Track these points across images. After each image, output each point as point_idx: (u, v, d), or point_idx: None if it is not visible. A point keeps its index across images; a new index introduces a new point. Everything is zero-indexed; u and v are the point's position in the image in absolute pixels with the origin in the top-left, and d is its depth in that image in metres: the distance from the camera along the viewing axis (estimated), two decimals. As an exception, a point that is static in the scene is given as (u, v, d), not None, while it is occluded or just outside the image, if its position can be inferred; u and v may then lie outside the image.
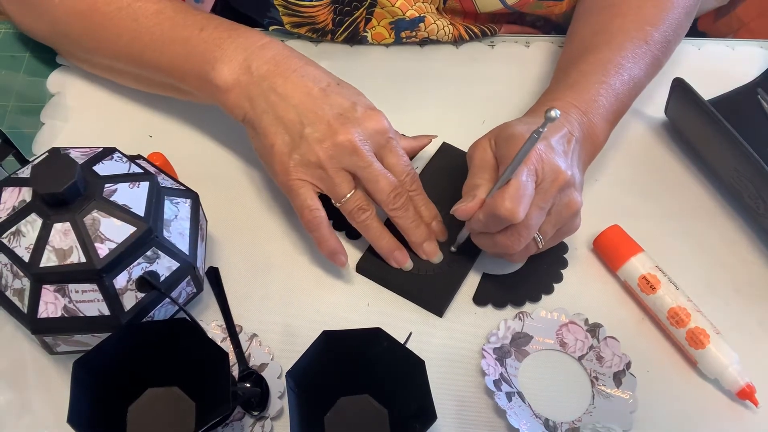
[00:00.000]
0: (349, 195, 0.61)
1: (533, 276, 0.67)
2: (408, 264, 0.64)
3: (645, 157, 0.76)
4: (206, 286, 0.64)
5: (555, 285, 0.66)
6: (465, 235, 0.64)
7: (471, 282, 0.66)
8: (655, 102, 0.79)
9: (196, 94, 0.66)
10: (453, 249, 0.66)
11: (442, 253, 0.65)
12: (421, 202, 0.65)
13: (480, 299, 0.65)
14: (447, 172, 0.72)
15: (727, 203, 0.73)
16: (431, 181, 0.70)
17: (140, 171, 0.58)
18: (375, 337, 0.54)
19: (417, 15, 0.78)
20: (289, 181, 0.61)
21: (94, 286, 0.53)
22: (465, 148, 0.73)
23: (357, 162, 0.60)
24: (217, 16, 0.67)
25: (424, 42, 0.83)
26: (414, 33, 0.80)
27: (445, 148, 0.74)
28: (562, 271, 0.67)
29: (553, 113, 0.53)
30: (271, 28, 0.80)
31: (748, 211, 0.70)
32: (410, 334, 0.57)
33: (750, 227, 0.71)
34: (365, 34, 0.80)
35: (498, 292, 0.65)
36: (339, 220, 0.64)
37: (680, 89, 0.71)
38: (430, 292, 0.64)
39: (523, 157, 0.56)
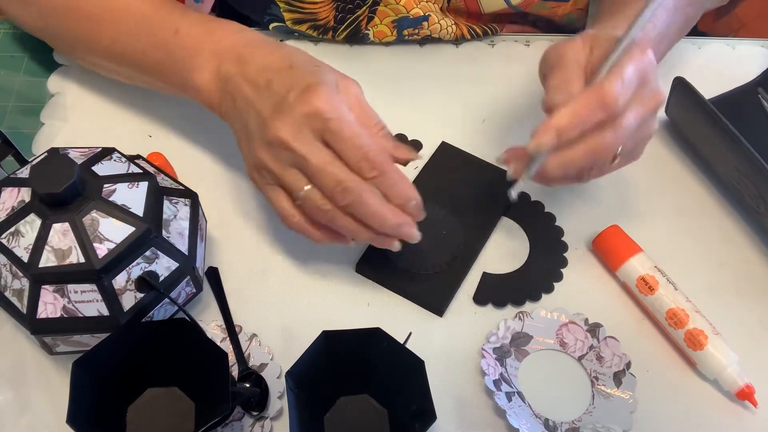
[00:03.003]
0: (302, 193, 0.56)
1: (533, 275, 0.67)
2: (415, 235, 0.57)
3: (645, 157, 0.75)
4: (206, 286, 0.64)
5: (555, 284, 0.66)
6: (540, 159, 0.57)
7: (471, 282, 0.66)
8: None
9: (182, 95, 0.66)
10: (513, 196, 0.60)
11: (419, 233, 0.58)
12: (388, 184, 0.56)
13: (480, 298, 0.65)
14: (446, 171, 0.72)
15: (728, 203, 0.72)
16: (430, 180, 0.70)
17: (139, 171, 0.58)
18: (374, 337, 0.54)
19: (422, 14, 0.78)
20: (259, 188, 0.60)
21: (93, 287, 0.53)
22: (465, 147, 0.74)
23: (293, 158, 0.55)
24: (189, 10, 0.67)
25: (425, 41, 0.83)
26: (416, 31, 0.80)
27: (445, 148, 0.74)
28: (562, 270, 0.67)
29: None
30: (271, 25, 0.80)
31: (749, 211, 0.70)
32: (410, 334, 0.57)
33: (750, 227, 0.71)
34: (367, 32, 0.80)
35: (498, 291, 0.65)
36: None
37: (681, 88, 0.71)
38: (430, 291, 0.64)
39: (626, 47, 0.54)
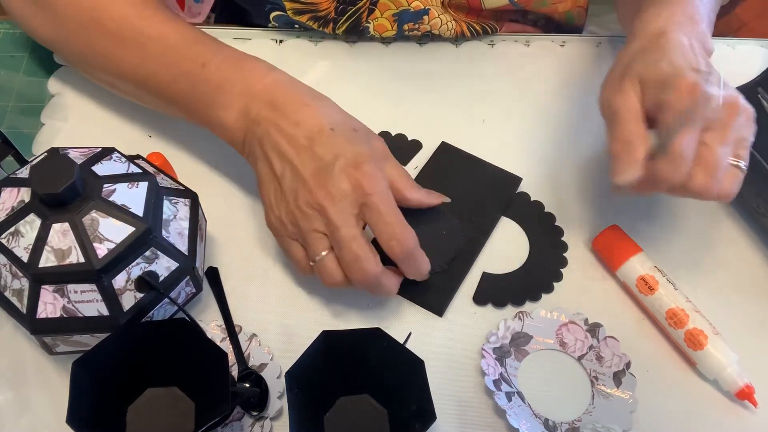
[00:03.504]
0: (318, 258, 0.58)
1: (533, 275, 0.67)
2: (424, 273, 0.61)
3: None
4: (205, 286, 0.64)
5: (555, 284, 0.66)
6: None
7: (471, 281, 0.66)
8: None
9: (203, 127, 0.65)
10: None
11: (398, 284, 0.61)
12: (411, 265, 0.59)
13: (480, 298, 0.65)
14: (445, 171, 0.72)
15: (728, 203, 0.72)
16: (430, 180, 0.70)
17: (139, 171, 0.58)
18: (374, 337, 0.54)
19: (422, 7, 0.78)
20: (276, 237, 0.61)
21: (93, 287, 0.53)
22: (465, 147, 0.74)
23: (324, 224, 0.57)
24: (221, 45, 0.65)
25: (425, 39, 0.83)
26: (417, 26, 0.80)
27: (444, 148, 0.74)
28: (562, 270, 0.67)
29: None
30: (272, 14, 0.79)
31: (749, 211, 0.70)
32: (410, 334, 0.57)
33: (750, 227, 0.71)
34: (367, 25, 0.80)
35: (498, 291, 0.65)
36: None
37: None
38: (430, 291, 0.64)
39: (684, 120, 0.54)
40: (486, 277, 0.66)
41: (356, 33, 0.81)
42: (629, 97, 0.58)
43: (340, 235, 0.56)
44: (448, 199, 0.64)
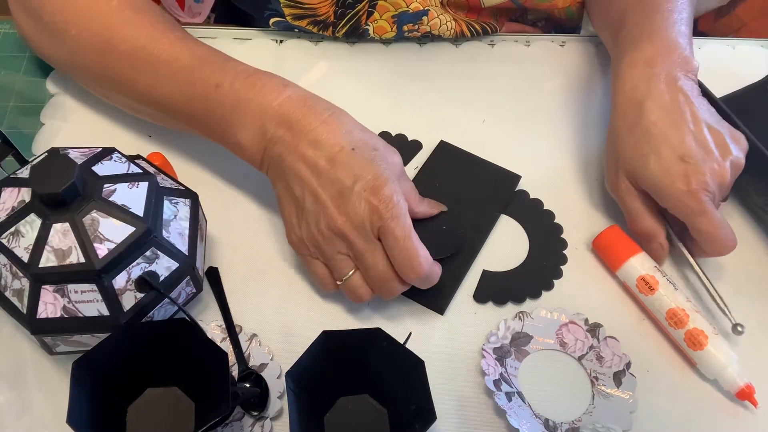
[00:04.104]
0: (345, 278, 0.59)
1: (533, 273, 0.67)
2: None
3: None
4: (206, 286, 0.64)
5: (555, 281, 0.66)
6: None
7: (471, 281, 0.66)
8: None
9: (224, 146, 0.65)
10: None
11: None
12: (424, 283, 0.60)
13: (480, 296, 0.65)
14: (444, 170, 0.72)
15: (730, 203, 0.72)
16: (428, 178, 0.70)
17: (139, 171, 0.58)
18: (374, 337, 0.54)
19: (421, 8, 0.78)
20: (298, 255, 0.62)
21: (93, 287, 0.53)
22: (464, 147, 0.74)
23: (349, 247, 0.58)
24: (232, 63, 0.64)
25: (425, 39, 0.83)
26: (416, 27, 0.80)
27: (443, 146, 0.74)
28: (562, 267, 0.67)
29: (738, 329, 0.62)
30: (271, 21, 0.80)
31: (754, 210, 0.70)
32: (410, 334, 0.57)
33: (751, 226, 0.71)
34: (367, 27, 0.80)
35: (498, 289, 0.65)
36: None
37: None
38: (431, 289, 0.64)
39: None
40: (486, 275, 0.66)
41: (356, 36, 0.81)
42: (632, 197, 0.65)
43: (365, 260, 0.58)
44: (445, 208, 0.66)
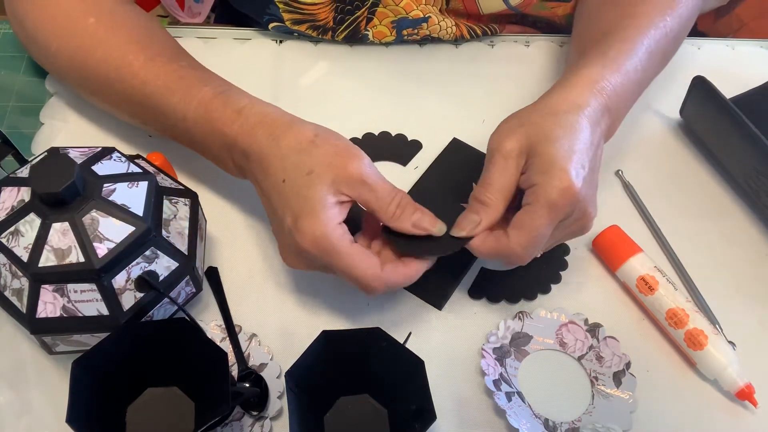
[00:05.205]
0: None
1: (532, 275, 0.66)
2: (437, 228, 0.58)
3: (649, 157, 0.76)
4: (205, 285, 0.64)
5: (553, 285, 0.66)
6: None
7: (471, 280, 0.66)
8: (654, 103, 0.79)
9: None
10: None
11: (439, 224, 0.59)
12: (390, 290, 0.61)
13: (475, 293, 0.65)
14: (455, 167, 0.72)
15: (732, 201, 0.73)
16: (438, 176, 0.70)
17: (139, 171, 0.58)
18: (374, 337, 0.54)
19: (422, 15, 0.78)
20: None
21: (93, 286, 0.53)
22: (465, 147, 0.74)
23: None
24: (194, 86, 0.62)
25: (425, 41, 0.83)
26: (416, 31, 0.80)
27: (456, 144, 0.74)
28: (561, 272, 0.67)
29: None
30: (270, 25, 0.80)
31: (763, 210, 0.70)
32: (410, 334, 0.57)
33: (754, 227, 0.71)
34: (366, 32, 0.80)
35: (494, 287, 0.65)
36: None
37: (701, 88, 0.71)
38: (430, 283, 0.64)
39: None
40: (484, 272, 0.66)
41: (356, 40, 0.81)
42: (509, 162, 0.57)
43: (333, 274, 0.57)
44: (443, 228, 0.59)
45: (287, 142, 0.57)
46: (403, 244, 0.58)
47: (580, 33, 0.75)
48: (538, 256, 0.61)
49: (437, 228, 0.58)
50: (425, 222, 0.57)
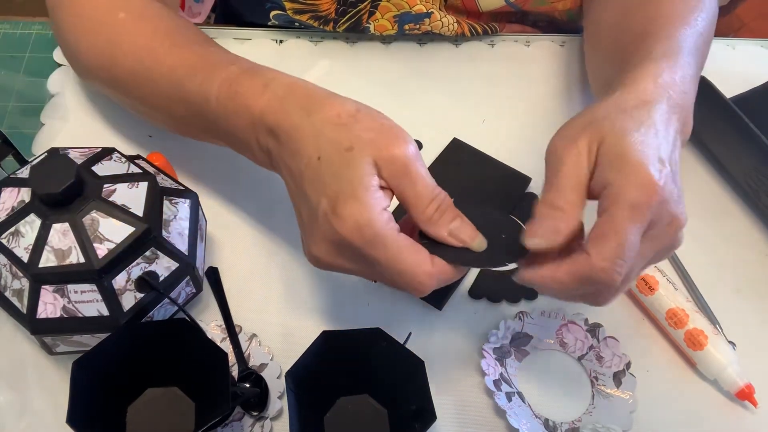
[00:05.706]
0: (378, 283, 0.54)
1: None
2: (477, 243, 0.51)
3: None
4: (206, 286, 0.64)
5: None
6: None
7: (471, 280, 0.66)
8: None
9: None
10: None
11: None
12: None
13: (475, 293, 0.65)
14: (455, 166, 0.72)
15: (732, 201, 0.72)
16: (438, 175, 0.70)
17: (139, 171, 0.58)
18: (374, 337, 0.54)
19: (424, 10, 0.78)
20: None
21: (93, 287, 0.53)
22: (465, 147, 0.74)
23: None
24: (220, 66, 0.58)
25: (425, 39, 0.83)
26: (418, 26, 0.80)
27: (456, 143, 0.74)
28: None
29: None
30: (272, 13, 0.80)
31: (763, 211, 0.70)
32: (410, 334, 0.57)
33: (753, 226, 0.71)
34: (368, 25, 0.80)
35: (494, 286, 0.65)
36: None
37: (702, 88, 0.71)
38: None
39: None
40: (484, 272, 0.66)
41: (356, 31, 0.81)
42: (580, 159, 0.50)
43: (367, 277, 0.51)
44: (483, 243, 0.52)
45: (323, 115, 0.50)
46: (437, 250, 0.51)
47: (606, 37, 0.70)
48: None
49: (477, 242, 0.50)
50: (464, 233, 0.50)
